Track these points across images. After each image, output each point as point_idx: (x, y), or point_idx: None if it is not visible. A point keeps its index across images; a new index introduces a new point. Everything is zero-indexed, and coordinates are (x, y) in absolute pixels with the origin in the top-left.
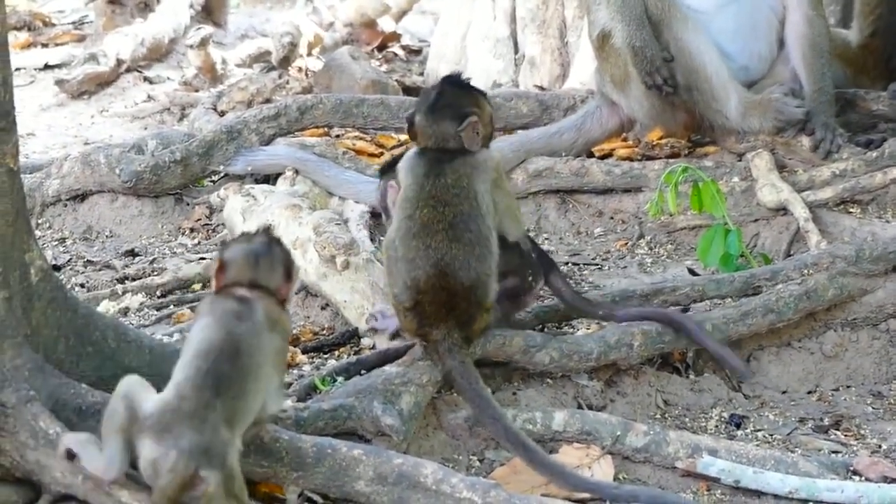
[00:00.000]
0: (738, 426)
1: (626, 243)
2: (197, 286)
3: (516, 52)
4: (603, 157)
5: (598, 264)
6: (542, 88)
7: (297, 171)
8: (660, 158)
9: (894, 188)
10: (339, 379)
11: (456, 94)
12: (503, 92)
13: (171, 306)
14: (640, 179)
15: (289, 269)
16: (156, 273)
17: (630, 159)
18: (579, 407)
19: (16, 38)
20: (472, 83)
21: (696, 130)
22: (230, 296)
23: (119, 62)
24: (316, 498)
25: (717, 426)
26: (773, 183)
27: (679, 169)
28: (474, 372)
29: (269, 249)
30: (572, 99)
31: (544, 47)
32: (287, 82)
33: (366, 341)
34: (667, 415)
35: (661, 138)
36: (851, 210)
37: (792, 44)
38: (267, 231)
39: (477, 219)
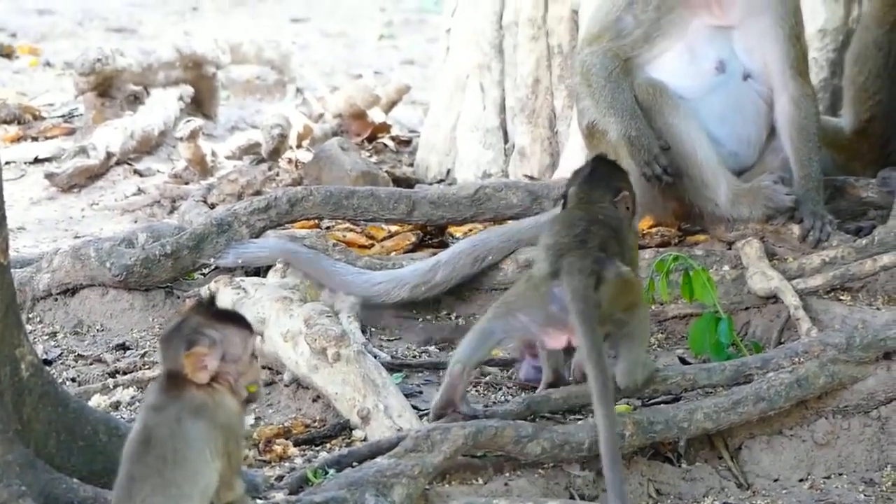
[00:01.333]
0: None
1: None
2: None
3: (506, 141)
4: None
5: None
6: (532, 178)
7: (287, 264)
8: (650, 247)
9: (884, 275)
10: (331, 471)
11: (609, 170)
12: (493, 182)
13: None
14: None
15: (192, 342)
16: (147, 367)
17: None
18: (571, 497)
19: (5, 132)
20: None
21: (685, 218)
22: (157, 386)
23: (109, 155)
24: None
25: None
26: (764, 271)
27: (670, 258)
28: None
29: (173, 330)
30: (562, 188)
31: (534, 137)
32: (277, 174)
33: (357, 433)
34: None
35: (651, 226)
36: (842, 297)
37: (780, 128)
38: (190, 309)
39: None
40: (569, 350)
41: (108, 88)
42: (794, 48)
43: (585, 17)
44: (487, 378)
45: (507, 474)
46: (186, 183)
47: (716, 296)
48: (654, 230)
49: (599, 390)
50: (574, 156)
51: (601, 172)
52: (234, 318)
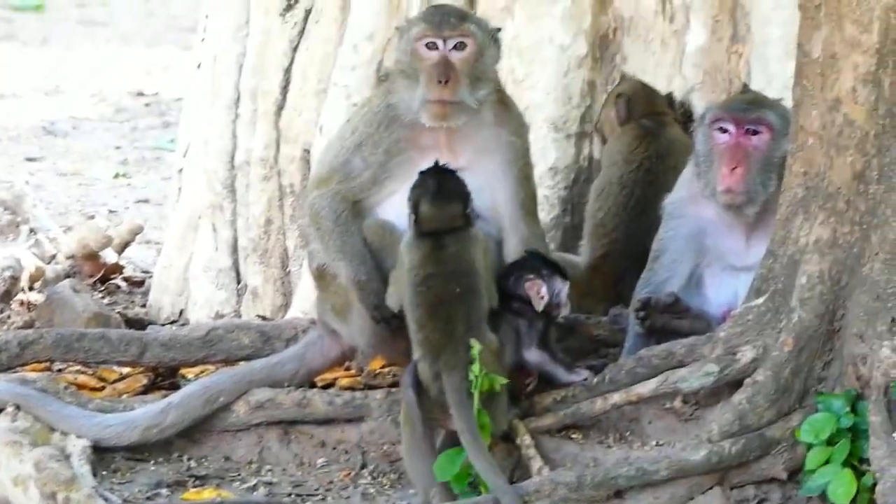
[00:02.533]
0: None
1: (350, 473)
2: None
3: (238, 282)
4: (325, 387)
5: (321, 495)
6: (264, 318)
7: (18, 407)
8: (382, 387)
9: (615, 413)
10: None
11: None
12: (224, 323)
13: None
14: (363, 409)
15: None
16: None
17: (352, 388)
18: None
19: None
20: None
21: None
22: None
23: None
24: None
25: None
26: None
27: None
28: None
29: None
30: (294, 329)
31: (266, 277)
32: (8, 317)
33: None
34: None
35: (383, 367)
36: (573, 436)
37: None
38: None
39: None
40: None
41: None
42: (523, 189)
43: (315, 158)
44: None
45: None
46: None
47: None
48: (386, 370)
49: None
50: (306, 295)
51: (448, 186)
52: None
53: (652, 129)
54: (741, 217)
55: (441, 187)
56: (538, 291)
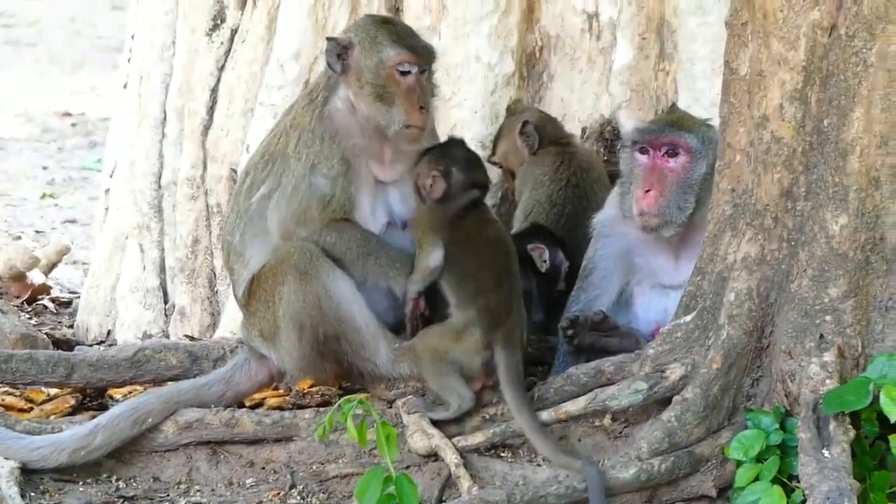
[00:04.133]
0: None
1: (279, 493)
2: None
3: (166, 302)
4: (254, 407)
5: None
6: (192, 338)
7: None
8: (311, 407)
9: None
10: None
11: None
12: (152, 344)
13: None
14: (291, 429)
15: None
16: None
17: (281, 408)
18: None
19: None
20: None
21: (346, 378)
22: None
23: None
24: None
25: None
26: (424, 429)
27: (357, 399)
28: None
29: None
30: (222, 349)
31: (194, 297)
32: None
33: None
34: None
35: (311, 386)
36: (503, 454)
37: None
38: None
39: None
40: None
41: None
42: None
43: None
44: None
45: None
46: None
47: (396, 451)
48: (314, 389)
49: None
50: (234, 315)
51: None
52: None
53: (567, 149)
54: (661, 238)
55: (469, 154)
56: (541, 255)
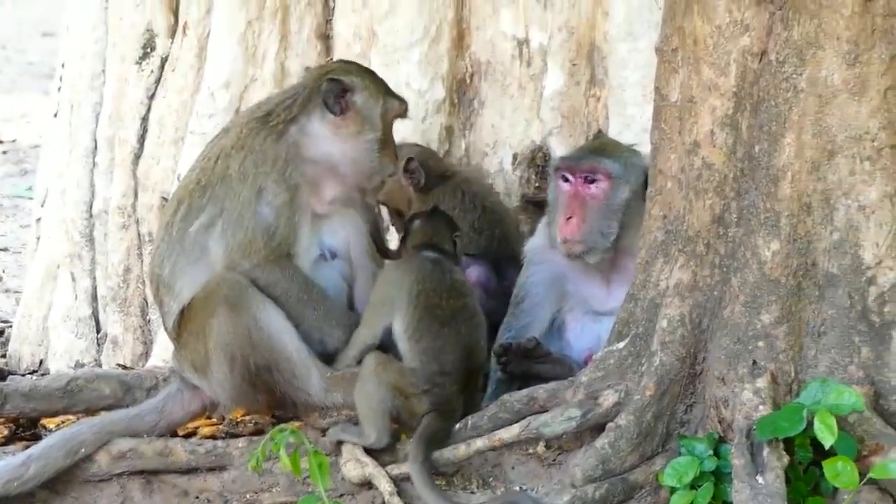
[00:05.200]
0: None
1: None
2: None
3: (98, 331)
4: (187, 436)
5: None
6: (125, 367)
7: None
8: (244, 435)
9: (479, 459)
10: None
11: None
12: (85, 373)
13: None
14: (225, 458)
15: None
16: None
17: (214, 437)
18: None
19: None
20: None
21: (279, 407)
22: None
23: None
24: None
25: None
26: (358, 458)
27: (289, 429)
28: None
29: None
30: (155, 378)
31: (126, 326)
32: None
33: None
34: None
35: (244, 415)
36: (437, 482)
37: (360, 305)
38: None
39: None
40: None
41: None
42: (375, 233)
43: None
44: None
45: None
46: None
47: (328, 480)
48: (247, 418)
49: None
50: (167, 343)
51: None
52: None
53: (459, 179)
54: (591, 265)
55: (435, 210)
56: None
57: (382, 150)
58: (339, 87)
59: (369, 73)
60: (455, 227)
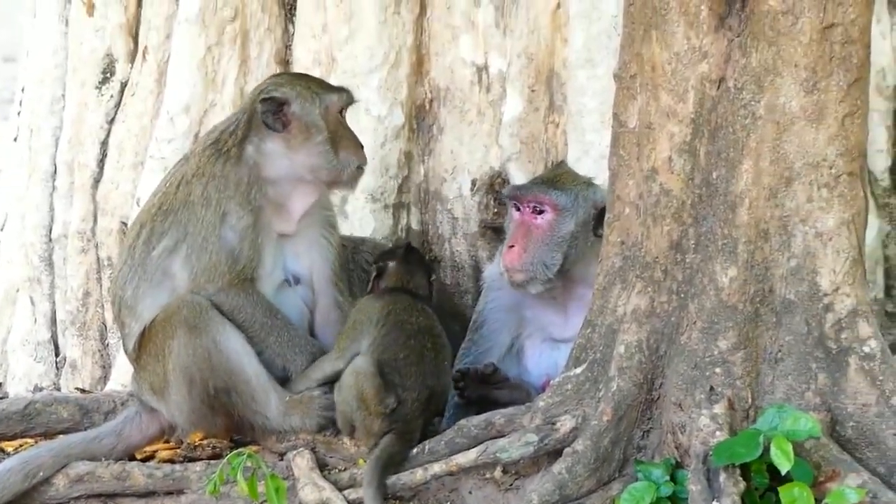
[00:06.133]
0: None
1: None
2: None
3: (57, 354)
4: (145, 460)
5: None
6: (83, 391)
7: None
8: (202, 459)
9: (436, 484)
10: None
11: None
12: (43, 397)
13: None
14: (183, 482)
15: None
16: None
17: (172, 461)
18: None
19: None
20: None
21: (237, 430)
22: None
23: None
24: None
25: None
26: (315, 482)
27: (246, 454)
28: None
29: None
30: (113, 402)
31: (85, 350)
32: None
33: None
34: None
35: (202, 439)
36: None
37: (319, 329)
38: None
39: None
40: None
41: None
42: (336, 257)
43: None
44: None
45: None
46: None
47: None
48: (205, 442)
49: None
50: (125, 367)
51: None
52: None
53: None
54: (544, 293)
55: (410, 251)
56: None
57: (338, 146)
58: (274, 103)
59: (302, 79)
60: (430, 271)
